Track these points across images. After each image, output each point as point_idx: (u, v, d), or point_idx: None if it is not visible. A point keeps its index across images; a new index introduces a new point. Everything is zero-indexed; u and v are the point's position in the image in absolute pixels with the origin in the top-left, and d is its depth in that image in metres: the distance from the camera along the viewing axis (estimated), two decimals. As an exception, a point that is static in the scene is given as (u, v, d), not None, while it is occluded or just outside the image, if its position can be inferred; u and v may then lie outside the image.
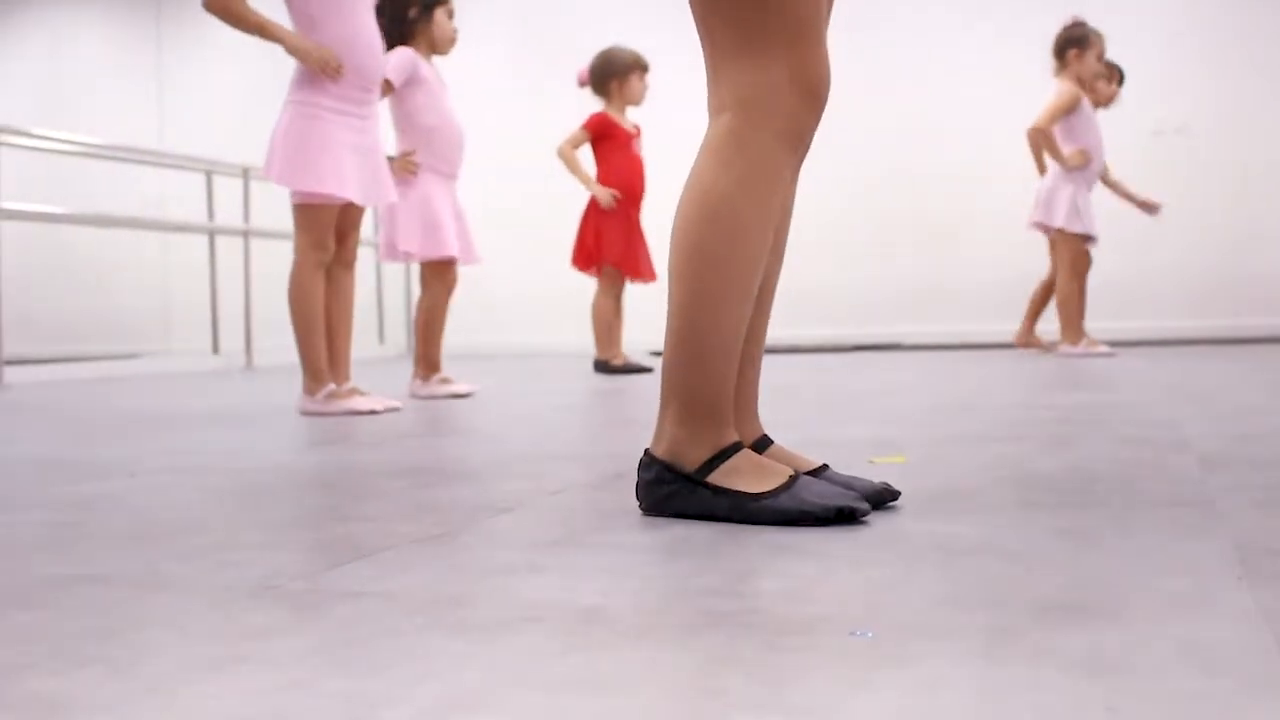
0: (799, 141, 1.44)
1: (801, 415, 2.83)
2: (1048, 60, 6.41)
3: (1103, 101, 5.67)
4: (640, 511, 1.51)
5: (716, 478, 1.43)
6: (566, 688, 0.79)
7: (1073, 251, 5.66)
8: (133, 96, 9.38)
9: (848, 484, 1.50)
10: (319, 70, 3.24)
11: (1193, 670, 0.79)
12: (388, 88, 3.82)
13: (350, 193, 3.28)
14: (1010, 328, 6.78)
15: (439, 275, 4.05)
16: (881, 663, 0.82)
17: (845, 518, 1.37)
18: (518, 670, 0.83)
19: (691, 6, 1.47)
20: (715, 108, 1.46)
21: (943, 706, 0.73)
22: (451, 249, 3.95)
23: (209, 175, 7.10)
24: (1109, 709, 0.72)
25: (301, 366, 3.34)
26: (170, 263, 9.17)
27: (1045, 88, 6.37)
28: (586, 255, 5.29)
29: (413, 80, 3.90)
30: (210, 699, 0.78)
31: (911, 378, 4.27)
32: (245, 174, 6.96)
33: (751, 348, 1.59)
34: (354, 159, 3.31)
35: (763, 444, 1.60)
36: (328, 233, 3.34)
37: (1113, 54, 5.99)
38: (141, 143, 8.55)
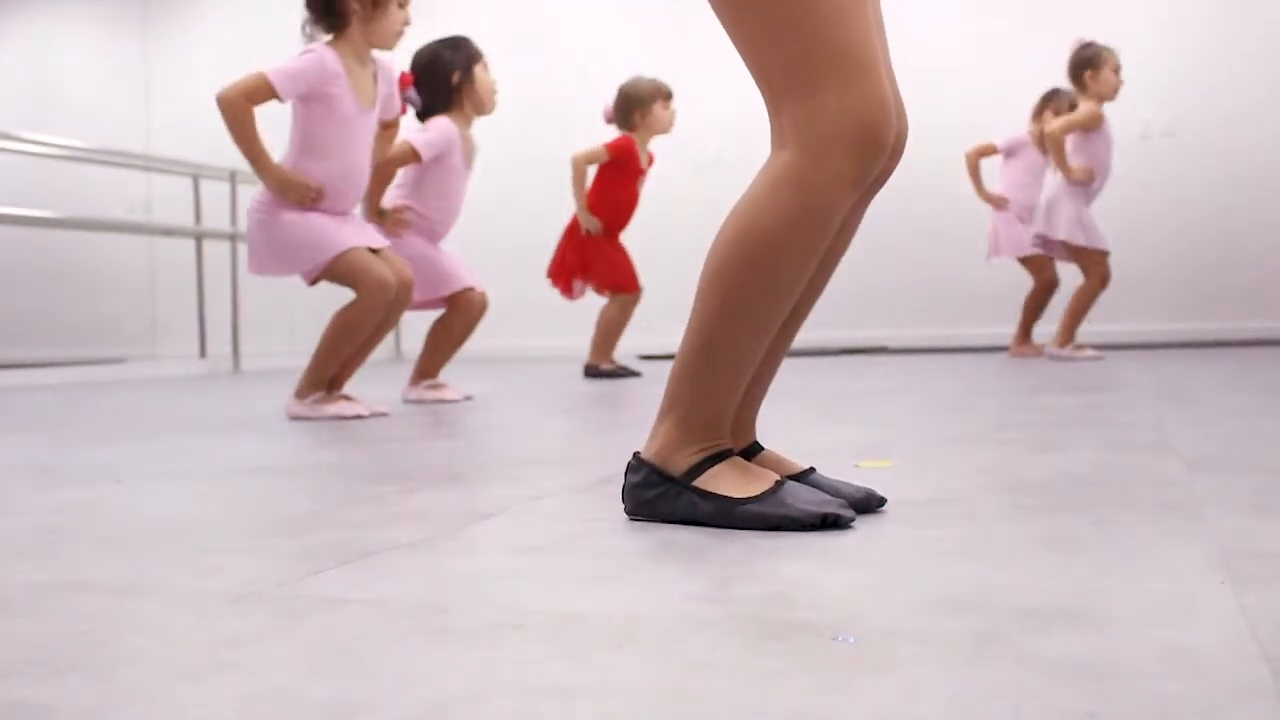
0: (859, 182, 1.41)
1: (788, 419, 2.83)
2: (1034, 63, 6.44)
3: (1109, 95, 5.66)
4: (624, 515, 1.51)
5: (703, 481, 1.44)
6: (548, 694, 0.79)
7: (1098, 263, 5.64)
8: (119, 100, 9.35)
9: (834, 489, 1.50)
10: (297, 203, 3.24)
11: (1176, 675, 0.79)
12: (414, 157, 3.80)
13: (354, 241, 3.26)
14: (998, 331, 6.79)
15: (459, 303, 4.01)
16: (864, 668, 0.82)
17: (830, 524, 1.38)
18: (500, 676, 0.83)
19: (736, 47, 1.44)
20: (778, 142, 1.43)
21: (925, 712, 0.73)
22: (458, 284, 3.92)
23: (196, 179, 7.08)
24: (1091, 714, 0.72)
25: (305, 371, 3.32)
26: (157, 266, 9.14)
27: (1033, 89, 6.40)
28: (561, 271, 5.29)
29: (440, 157, 3.88)
30: (191, 706, 0.78)
31: (898, 381, 4.27)
32: (232, 177, 6.94)
33: (768, 365, 1.59)
34: (335, 221, 3.29)
35: (753, 450, 1.60)
36: (379, 270, 3.25)
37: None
38: (128, 146, 8.53)
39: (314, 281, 3.34)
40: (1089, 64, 5.60)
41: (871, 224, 7.56)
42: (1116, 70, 5.62)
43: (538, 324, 7.97)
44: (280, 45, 3.36)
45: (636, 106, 5.21)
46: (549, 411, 3.36)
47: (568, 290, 5.31)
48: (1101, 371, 4.52)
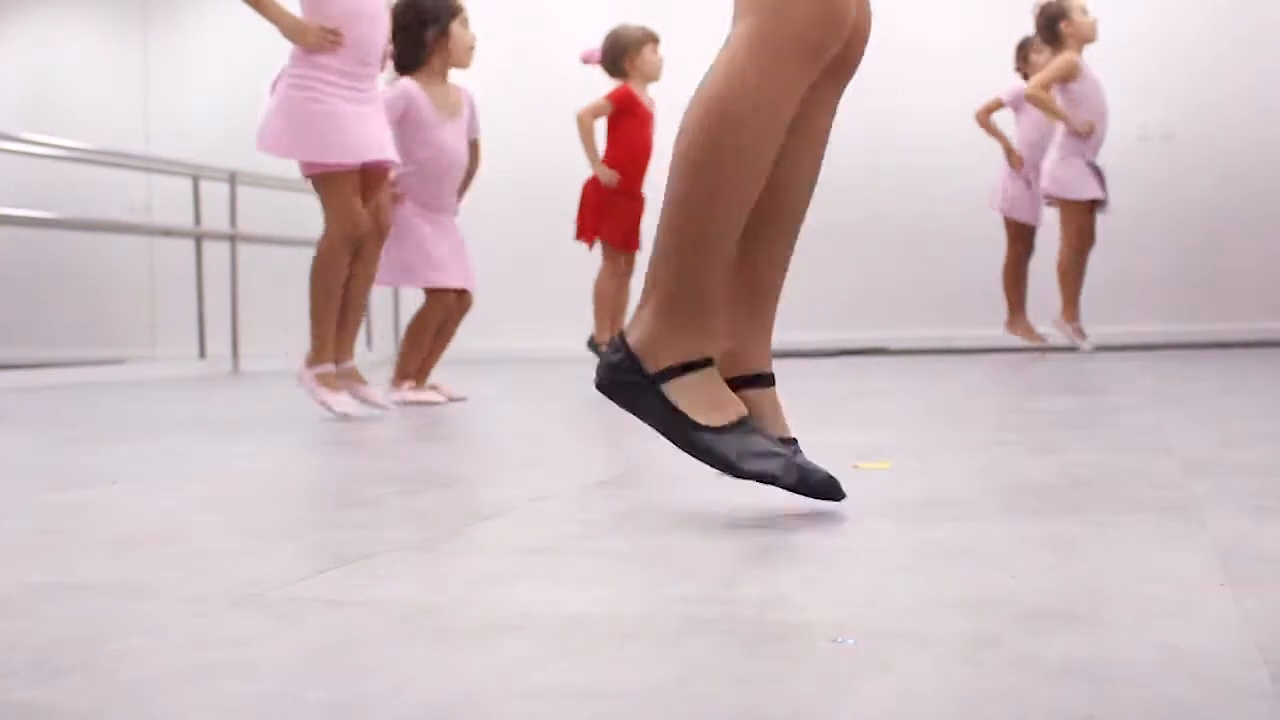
0: (816, 55, 1.42)
1: (788, 420, 2.82)
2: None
3: (1090, 35, 5.70)
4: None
5: (672, 389, 1.44)
6: (548, 695, 0.79)
7: (1079, 222, 5.64)
8: (118, 100, 9.35)
9: (803, 468, 1.45)
10: (317, 48, 3.25)
11: (1176, 677, 0.79)
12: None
13: (353, 156, 3.26)
14: (998, 333, 6.78)
15: (434, 296, 4.01)
16: (863, 670, 0.82)
17: (766, 483, 1.40)
18: (499, 678, 0.83)
19: None
20: (738, 12, 1.45)
21: (924, 714, 0.73)
22: (432, 281, 3.92)
23: (195, 179, 7.08)
24: (1090, 717, 0.72)
25: (310, 335, 3.35)
26: (156, 267, 9.14)
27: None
28: (585, 228, 5.29)
29: (406, 115, 3.87)
30: (190, 708, 0.78)
31: (897, 383, 4.27)
32: (232, 178, 6.94)
33: (773, 273, 1.59)
34: (356, 124, 3.29)
35: (763, 380, 1.57)
36: (353, 202, 3.29)
37: (1098, 60, 6.01)
38: (127, 147, 8.52)
39: (308, 176, 3.34)
40: (1060, 15, 5.65)
41: (871, 224, 7.54)
42: (1085, 10, 5.66)
43: (537, 325, 7.98)
44: (279, 48, 3.36)
45: (624, 52, 5.22)
46: (549, 413, 3.36)
47: (589, 244, 5.31)
48: (1100, 373, 4.53)
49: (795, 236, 1.60)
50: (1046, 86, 5.56)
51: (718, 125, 1.43)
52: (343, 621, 1.00)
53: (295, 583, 1.16)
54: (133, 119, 9.28)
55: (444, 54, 3.95)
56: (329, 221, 3.30)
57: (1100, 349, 6.28)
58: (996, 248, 6.50)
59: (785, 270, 1.61)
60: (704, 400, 1.42)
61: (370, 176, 3.41)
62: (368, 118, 3.35)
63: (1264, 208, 7.03)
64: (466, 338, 7.75)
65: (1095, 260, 6.41)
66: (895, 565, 1.18)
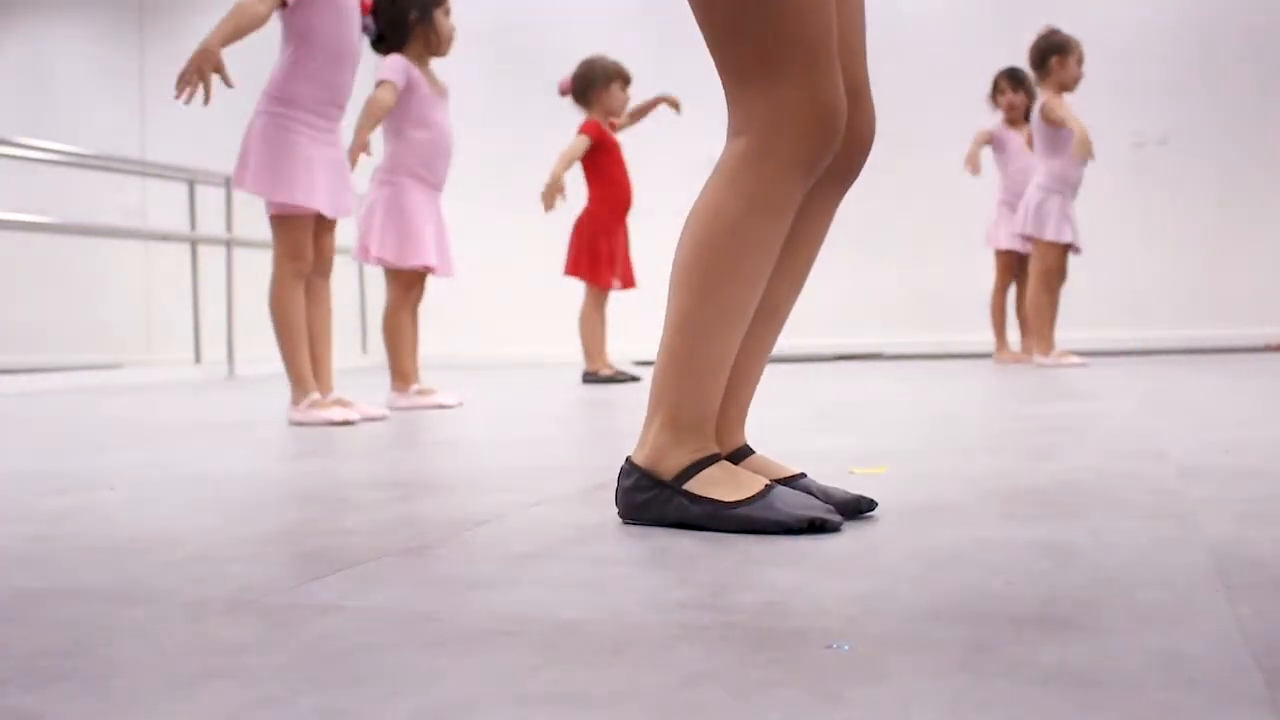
0: (812, 168, 1.44)
1: (783, 425, 2.83)
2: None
3: (1070, 84, 5.72)
4: (618, 519, 1.51)
5: (693, 485, 1.45)
6: (543, 702, 0.78)
7: (1052, 262, 5.70)
8: (115, 105, 9.34)
9: (824, 494, 1.51)
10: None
11: (1170, 684, 0.79)
12: (393, 89, 3.78)
13: (320, 204, 3.33)
14: (992, 336, 6.80)
15: (404, 284, 4.00)
16: (859, 676, 0.82)
17: (817, 529, 1.38)
18: (494, 685, 0.83)
19: (703, 32, 1.48)
20: (732, 131, 1.47)
21: (919, 721, 0.73)
22: (425, 259, 3.92)
23: (191, 184, 7.07)
24: (1085, 723, 0.72)
25: (288, 376, 3.36)
26: (152, 272, 9.13)
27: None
28: (579, 263, 5.32)
29: (406, 87, 3.87)
30: (184, 715, 0.78)
31: (893, 388, 4.27)
32: (228, 183, 6.92)
33: (752, 364, 1.61)
34: (325, 172, 3.36)
35: (743, 453, 1.60)
36: (304, 243, 3.37)
37: (1095, 65, 6.02)
38: (123, 151, 8.52)
39: (273, 215, 3.37)
40: (1057, 50, 5.64)
41: (867, 229, 7.56)
42: (1080, 61, 5.67)
43: (533, 329, 7.97)
44: (274, 53, 3.36)
45: (595, 84, 5.28)
46: (544, 418, 3.36)
47: (594, 279, 5.32)
48: (1095, 379, 4.53)
49: (777, 332, 1.62)
50: (1060, 107, 5.59)
51: (718, 244, 1.44)
52: (337, 628, 1.00)
53: (289, 589, 1.16)
54: (128, 123, 9.28)
55: (425, 40, 3.95)
56: (280, 258, 3.37)
57: (1095, 355, 6.29)
58: (991, 254, 6.50)
59: (765, 360, 1.63)
60: (727, 483, 1.44)
61: (323, 220, 3.46)
62: (333, 166, 3.41)
63: (1259, 212, 7.05)
64: (458, 342, 7.77)
65: (1090, 266, 6.41)
66: (890, 571, 1.18)
